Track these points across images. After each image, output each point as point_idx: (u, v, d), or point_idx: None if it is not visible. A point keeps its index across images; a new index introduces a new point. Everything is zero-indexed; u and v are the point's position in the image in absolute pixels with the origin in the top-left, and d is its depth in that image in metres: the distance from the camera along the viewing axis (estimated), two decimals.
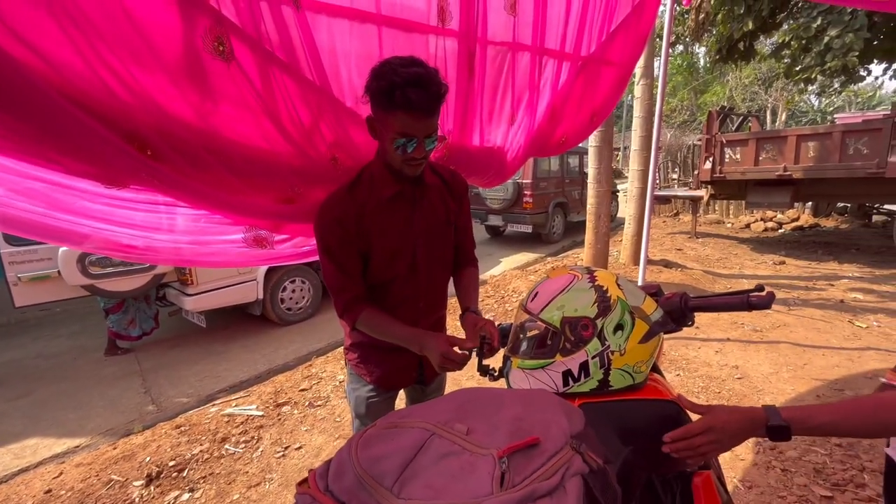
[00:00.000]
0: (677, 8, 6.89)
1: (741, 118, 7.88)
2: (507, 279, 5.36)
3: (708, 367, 3.12)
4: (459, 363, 1.06)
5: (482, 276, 5.95)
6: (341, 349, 3.93)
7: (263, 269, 4.54)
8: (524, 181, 7.94)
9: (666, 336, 3.59)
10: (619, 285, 0.94)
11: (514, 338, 1.03)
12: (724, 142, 6.13)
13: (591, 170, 4.43)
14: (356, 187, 1.13)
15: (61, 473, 2.38)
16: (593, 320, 0.89)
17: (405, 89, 0.93)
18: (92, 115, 0.77)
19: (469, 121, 1.61)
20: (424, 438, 0.64)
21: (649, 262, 5.50)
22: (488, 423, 0.65)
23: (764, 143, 5.87)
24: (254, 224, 1.23)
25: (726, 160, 6.20)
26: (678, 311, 1.04)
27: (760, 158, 5.90)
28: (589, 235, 4.56)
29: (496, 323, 1.15)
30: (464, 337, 1.12)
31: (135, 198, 1.00)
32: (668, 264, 5.45)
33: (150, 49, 0.85)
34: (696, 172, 7.48)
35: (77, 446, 2.79)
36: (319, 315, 4.95)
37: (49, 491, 2.23)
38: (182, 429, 2.72)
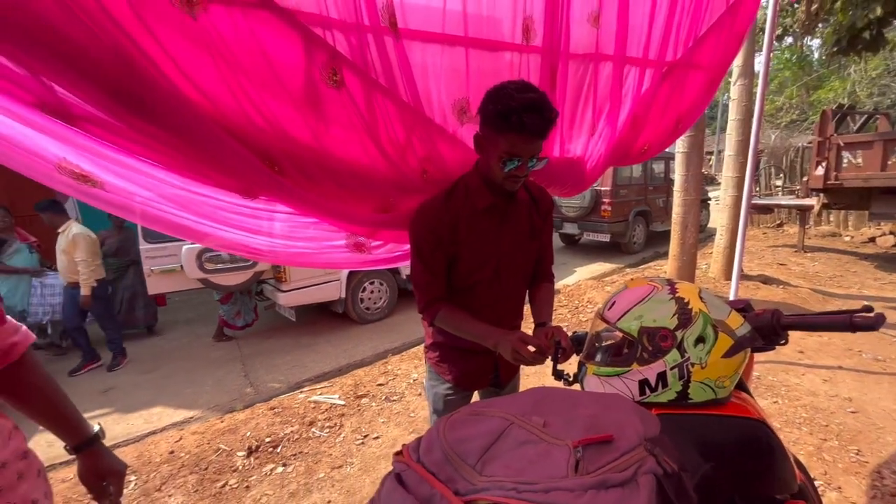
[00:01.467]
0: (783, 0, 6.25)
1: (865, 117, 6.87)
2: (582, 289, 5.22)
3: (814, 396, 2.79)
4: (532, 358, 1.10)
5: (556, 286, 5.85)
6: (415, 349, 4.13)
7: (346, 270, 4.90)
8: (603, 188, 7.66)
9: (761, 359, 3.30)
10: (701, 298, 0.93)
11: (590, 345, 1.05)
12: (842, 144, 5.41)
13: (677, 177, 4.17)
14: (452, 196, 1.22)
15: (181, 438, 2.79)
16: (673, 331, 0.89)
17: (521, 114, 1.01)
18: (236, 138, 0.95)
19: (551, 134, 1.65)
20: (504, 427, 0.70)
21: (745, 277, 5.03)
22: (563, 419, 0.70)
23: (893, 146, 5.09)
24: (354, 231, 1.38)
25: (844, 165, 5.47)
26: (769, 327, 0.99)
27: (889, 163, 5.12)
28: (674, 247, 4.29)
29: (570, 332, 1.18)
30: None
31: (261, 207, 1.19)
32: (766, 280, 4.93)
33: (279, 82, 1.02)
34: (805, 179, 6.67)
35: (191, 417, 3.24)
36: (395, 315, 5.20)
37: (172, 452, 2.63)
38: (276, 410, 3.05)
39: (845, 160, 5.44)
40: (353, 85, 1.12)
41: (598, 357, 1.01)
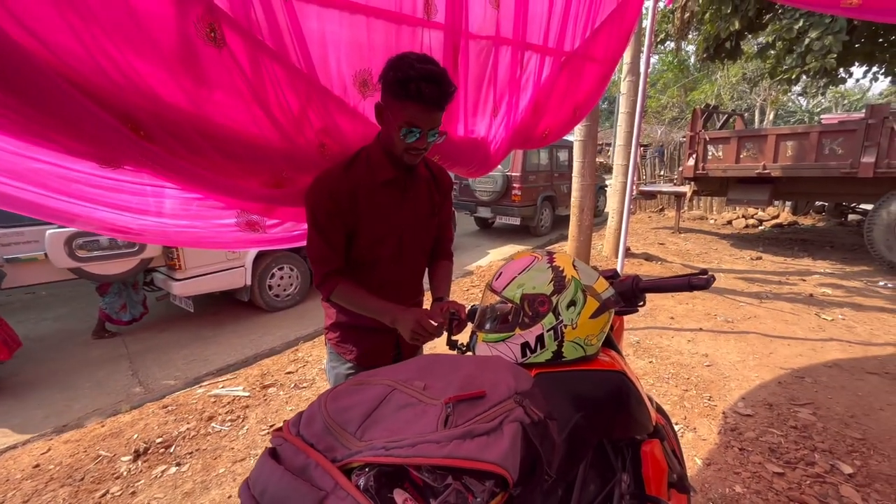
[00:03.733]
0: (661, 6, 6.98)
1: (726, 116, 8.04)
2: (494, 269, 5.47)
3: (680, 355, 3.26)
4: (430, 333, 1.14)
5: (470, 267, 6.05)
6: None
7: (252, 255, 4.57)
8: (513, 174, 8.04)
9: (640, 325, 3.72)
10: (574, 266, 1.03)
11: (481, 315, 1.12)
12: (708, 139, 6.28)
13: (575, 163, 4.52)
14: (352, 166, 1.19)
15: (49, 449, 2.44)
16: (549, 297, 0.98)
17: (420, 83, 1.01)
18: (88, 95, 0.83)
19: (453, 112, 1.69)
20: (386, 393, 0.72)
21: (631, 255, 5.65)
22: (444, 381, 0.74)
23: (745, 142, 6.03)
24: (245, 208, 1.29)
25: (709, 157, 6.36)
26: (630, 291, 1.14)
27: (741, 156, 6.06)
28: (573, 228, 4.67)
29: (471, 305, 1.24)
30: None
31: (130, 180, 1.06)
32: (648, 258, 5.61)
33: (144, 34, 0.90)
34: (680, 169, 7.64)
35: (64, 425, 2.84)
36: (307, 302, 5.01)
37: (37, 465, 2.29)
38: (169, 408, 2.79)
39: (710, 153, 6.33)
40: (236, 45, 1.04)
41: (488, 325, 1.08)
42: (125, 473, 2.19)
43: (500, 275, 1.07)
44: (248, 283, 4.60)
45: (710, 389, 2.80)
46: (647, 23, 3.28)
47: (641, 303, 1.17)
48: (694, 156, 6.47)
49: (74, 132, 0.84)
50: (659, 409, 1.71)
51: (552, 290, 0.99)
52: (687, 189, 7.29)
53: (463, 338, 1.19)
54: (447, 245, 1.47)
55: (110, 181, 1.01)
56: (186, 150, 1.01)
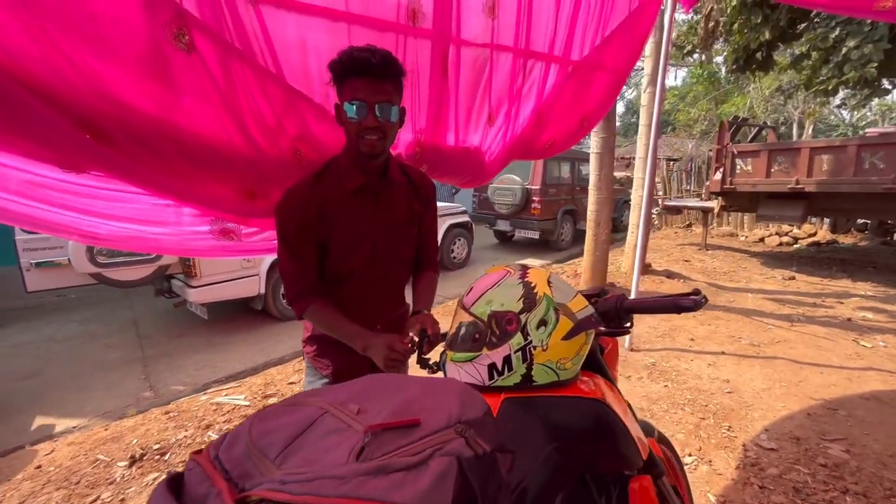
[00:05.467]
0: (680, 16, 6.80)
1: (757, 129, 7.71)
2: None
3: (698, 379, 3.06)
4: (403, 358, 1.07)
5: None
6: None
7: (266, 264, 4.63)
8: (533, 187, 7.94)
9: (658, 346, 3.52)
10: (549, 283, 0.95)
11: (453, 333, 1.05)
12: (735, 152, 6.02)
13: (591, 176, 4.40)
14: (322, 177, 1.15)
15: (53, 451, 2.48)
16: (518, 315, 0.90)
17: (352, 53, 1.00)
18: (41, 97, 0.82)
19: (443, 120, 1.64)
20: (317, 416, 0.66)
21: (652, 272, 5.43)
22: (380, 405, 0.67)
23: (776, 155, 5.74)
24: (219, 217, 1.28)
25: (737, 171, 6.08)
26: (614, 311, 1.04)
27: (772, 170, 5.77)
28: (588, 243, 4.53)
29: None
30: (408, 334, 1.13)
31: (96, 185, 1.05)
32: (670, 275, 5.36)
33: (106, 36, 0.90)
34: (707, 183, 7.35)
35: (74, 427, 2.90)
36: None
37: (39, 467, 2.33)
38: (171, 414, 2.80)
39: (738, 167, 6.05)
40: (206, 50, 1.02)
41: (458, 343, 1.01)
42: (118, 479, 2.19)
43: (471, 290, 1.00)
44: (262, 291, 4.66)
45: (730, 419, 2.60)
46: (664, 33, 3.18)
47: (628, 324, 1.08)
48: (721, 170, 6.20)
49: (28, 135, 0.84)
50: (661, 440, 1.58)
51: (521, 307, 0.91)
52: (714, 204, 6.99)
53: (437, 356, 1.12)
54: (432, 255, 1.40)
55: (76, 185, 1.01)
56: (152, 156, 1.00)
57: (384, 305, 1.31)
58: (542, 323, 0.90)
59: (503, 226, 8.56)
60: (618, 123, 7.99)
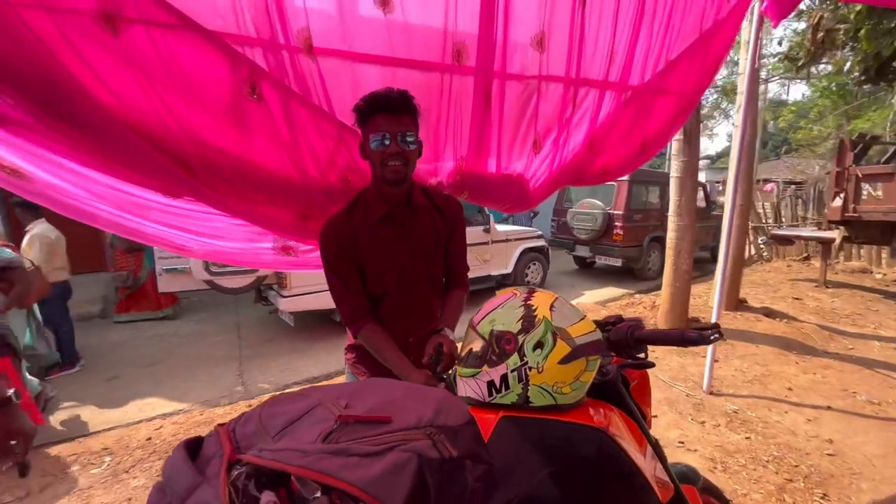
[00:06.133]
0: (793, 24, 6.09)
1: (894, 149, 6.54)
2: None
3: (791, 435, 2.66)
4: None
5: None
6: None
7: None
8: (615, 212, 7.58)
9: (744, 393, 3.18)
10: (552, 307, 0.98)
11: (463, 349, 1.11)
12: (860, 175, 5.18)
13: (672, 202, 4.11)
14: (353, 210, 1.31)
15: (161, 427, 2.95)
16: (516, 335, 0.94)
17: (373, 94, 1.16)
18: (153, 143, 1.09)
19: (484, 148, 1.73)
20: (312, 406, 0.78)
21: (748, 308, 4.83)
22: (365, 402, 0.77)
23: None
24: (281, 235, 1.50)
25: (863, 197, 5.21)
26: (624, 340, 1.02)
27: None
28: (667, 274, 4.19)
29: None
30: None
31: (190, 208, 1.32)
32: (769, 313, 4.71)
33: (200, 93, 1.15)
34: (825, 211, 6.38)
35: (179, 410, 3.41)
36: None
37: (149, 439, 2.79)
38: (252, 407, 3.17)
39: (865, 192, 5.19)
40: (272, 99, 1.25)
41: (465, 360, 1.07)
42: None
43: (480, 309, 1.06)
44: None
45: (828, 485, 2.21)
46: (748, 49, 2.95)
47: (642, 354, 1.04)
48: (842, 196, 5.37)
49: (142, 170, 1.10)
50: (708, 489, 1.44)
51: (520, 328, 0.95)
52: (835, 235, 6.03)
53: None
54: (461, 274, 1.48)
55: (173, 208, 1.28)
56: (226, 185, 1.24)
57: (412, 324, 1.41)
58: (539, 345, 0.93)
59: (582, 252, 8.25)
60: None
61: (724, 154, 31.76)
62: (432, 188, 1.41)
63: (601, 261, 8.14)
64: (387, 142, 1.16)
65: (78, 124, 1.01)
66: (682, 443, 2.55)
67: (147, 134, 1.09)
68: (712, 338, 0.91)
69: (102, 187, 1.16)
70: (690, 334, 0.92)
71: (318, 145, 1.34)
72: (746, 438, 2.61)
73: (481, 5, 1.49)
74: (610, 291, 7.09)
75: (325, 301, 5.02)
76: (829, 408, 2.97)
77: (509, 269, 6.71)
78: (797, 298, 5.74)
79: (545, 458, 0.90)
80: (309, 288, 4.89)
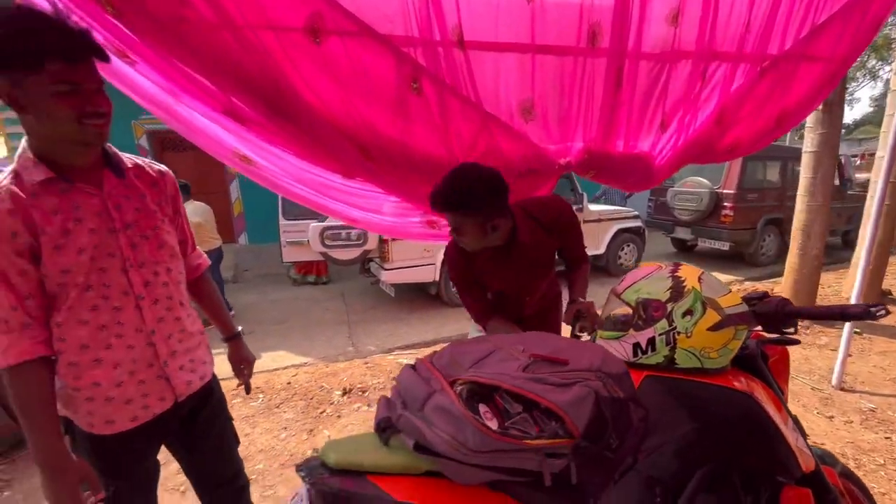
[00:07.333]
0: None
1: None
2: None
3: None
4: None
5: None
6: None
7: (441, 255, 5.33)
8: (725, 191, 6.91)
9: (885, 392, 2.94)
10: (700, 279, 1.04)
11: (604, 315, 1.22)
12: None
13: (802, 179, 3.68)
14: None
15: (296, 374, 3.47)
16: (664, 303, 1.03)
17: (439, 192, 1.30)
18: (341, 133, 1.32)
19: (614, 129, 1.76)
20: (493, 349, 0.95)
21: (891, 301, 4.23)
22: (539, 348, 0.93)
23: None
24: (426, 210, 1.71)
25: None
26: (773, 313, 1.05)
27: None
28: (792, 258, 3.80)
29: None
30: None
31: (360, 187, 1.57)
32: None
33: (372, 90, 1.36)
34: None
35: (305, 362, 3.95)
36: None
37: (289, 383, 3.31)
38: (368, 365, 3.58)
39: None
40: (430, 92, 1.42)
41: (607, 324, 1.17)
42: (336, 402, 2.97)
43: (623, 280, 1.16)
44: (437, 278, 5.36)
45: None
46: None
47: (792, 329, 1.06)
48: None
49: (332, 155, 1.35)
50: (847, 475, 1.41)
51: (668, 297, 1.03)
52: None
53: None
54: (581, 254, 1.56)
55: (349, 188, 1.54)
56: (391, 166, 1.45)
57: (531, 307, 1.65)
58: (689, 312, 1.01)
59: (682, 234, 7.67)
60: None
61: (863, 122, 26.85)
62: (538, 208, 1.46)
63: (704, 244, 7.54)
64: (455, 235, 1.37)
65: (291, 120, 1.26)
66: (807, 436, 2.40)
67: (337, 125, 1.32)
68: (878, 314, 0.92)
69: (301, 171, 1.44)
70: (854, 309, 0.93)
71: (463, 130, 1.50)
72: (886, 438, 2.39)
73: None
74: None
75: (423, 275, 5.36)
76: None
77: (601, 250, 6.49)
78: None
79: (691, 414, 0.98)
80: (408, 262, 5.24)
